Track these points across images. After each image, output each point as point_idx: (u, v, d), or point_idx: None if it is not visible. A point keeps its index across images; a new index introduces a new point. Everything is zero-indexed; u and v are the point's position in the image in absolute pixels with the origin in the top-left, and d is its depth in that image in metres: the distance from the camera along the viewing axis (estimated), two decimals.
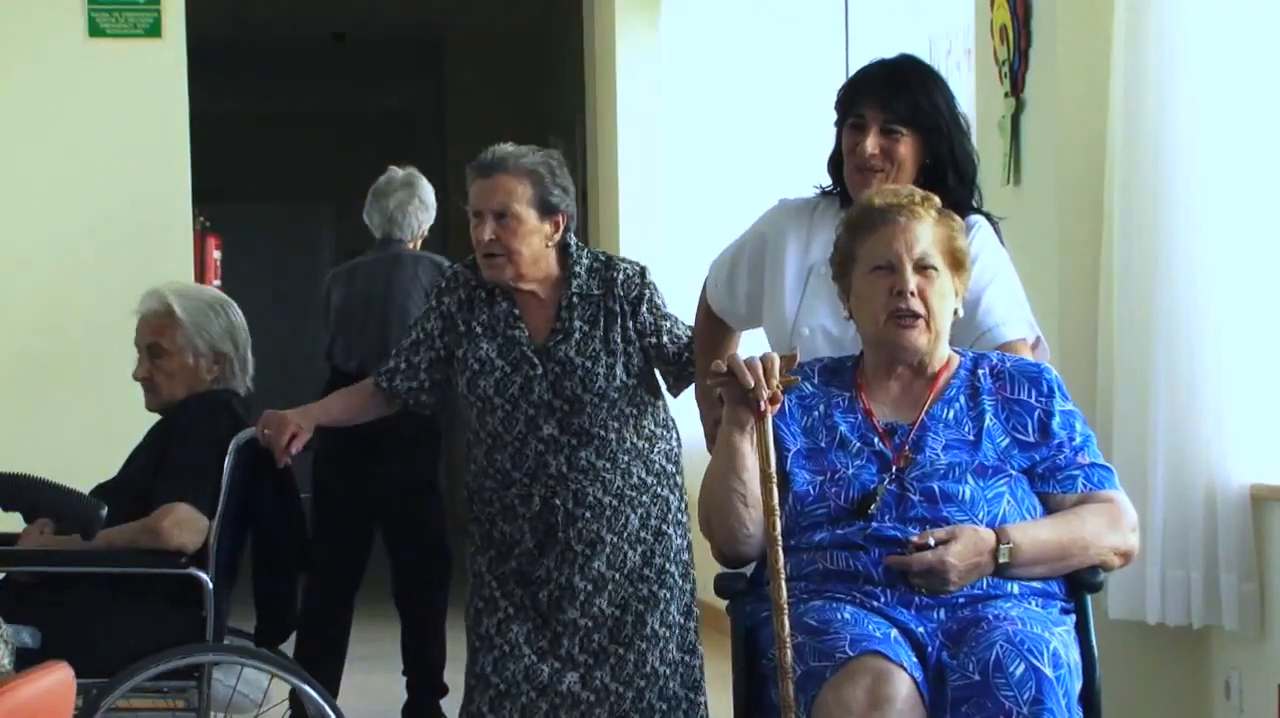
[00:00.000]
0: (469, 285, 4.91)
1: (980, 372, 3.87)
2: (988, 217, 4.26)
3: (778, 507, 3.65)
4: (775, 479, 3.67)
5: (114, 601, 4.87)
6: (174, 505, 4.84)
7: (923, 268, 3.80)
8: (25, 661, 3.75)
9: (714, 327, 4.56)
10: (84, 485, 4.77)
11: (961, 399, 3.84)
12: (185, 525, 4.83)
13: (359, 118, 16.27)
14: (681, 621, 4.91)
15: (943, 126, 4.18)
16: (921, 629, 3.61)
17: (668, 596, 4.89)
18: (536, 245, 4.80)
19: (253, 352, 5.22)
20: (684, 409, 4.93)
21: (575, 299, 4.85)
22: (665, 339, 4.87)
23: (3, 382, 7.72)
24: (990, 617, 3.58)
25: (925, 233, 3.81)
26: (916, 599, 3.65)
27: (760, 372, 3.71)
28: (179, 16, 8.07)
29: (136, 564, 4.84)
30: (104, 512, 4.32)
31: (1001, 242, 4.25)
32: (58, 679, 2.97)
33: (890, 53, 4.38)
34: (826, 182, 4.32)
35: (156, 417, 5.19)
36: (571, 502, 4.83)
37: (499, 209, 4.79)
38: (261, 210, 15.54)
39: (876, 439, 3.81)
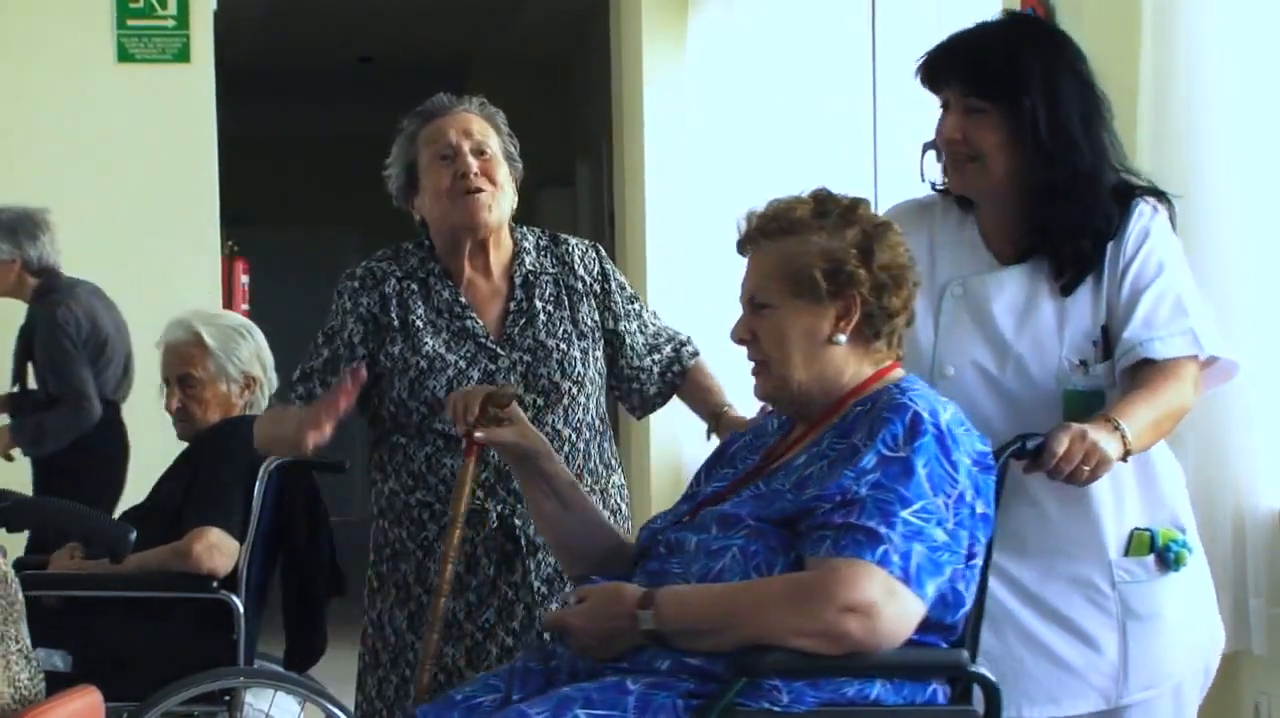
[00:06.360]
0: (395, 277, 4.07)
1: (859, 409, 3.20)
2: (1158, 195, 3.62)
3: (455, 551, 3.47)
4: (461, 522, 3.46)
5: (144, 624, 4.90)
6: (205, 529, 4.86)
7: (756, 307, 3.28)
8: (56, 684, 3.77)
9: None
10: (111, 511, 4.79)
11: (826, 447, 3.19)
12: (216, 549, 4.85)
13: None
14: None
15: (1025, 98, 3.38)
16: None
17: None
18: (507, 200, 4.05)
19: (277, 375, 5.25)
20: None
21: (530, 277, 4.04)
22: (636, 328, 4.09)
23: None
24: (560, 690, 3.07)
25: (760, 265, 3.28)
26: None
27: (460, 408, 3.51)
28: (207, 42, 8.13)
29: (168, 588, 4.88)
30: (133, 535, 4.35)
31: (1174, 227, 3.62)
32: (87, 703, 2.99)
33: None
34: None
35: (183, 443, 5.22)
36: (533, 526, 3.90)
37: (479, 145, 4.04)
38: (289, 234, 15.56)
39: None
